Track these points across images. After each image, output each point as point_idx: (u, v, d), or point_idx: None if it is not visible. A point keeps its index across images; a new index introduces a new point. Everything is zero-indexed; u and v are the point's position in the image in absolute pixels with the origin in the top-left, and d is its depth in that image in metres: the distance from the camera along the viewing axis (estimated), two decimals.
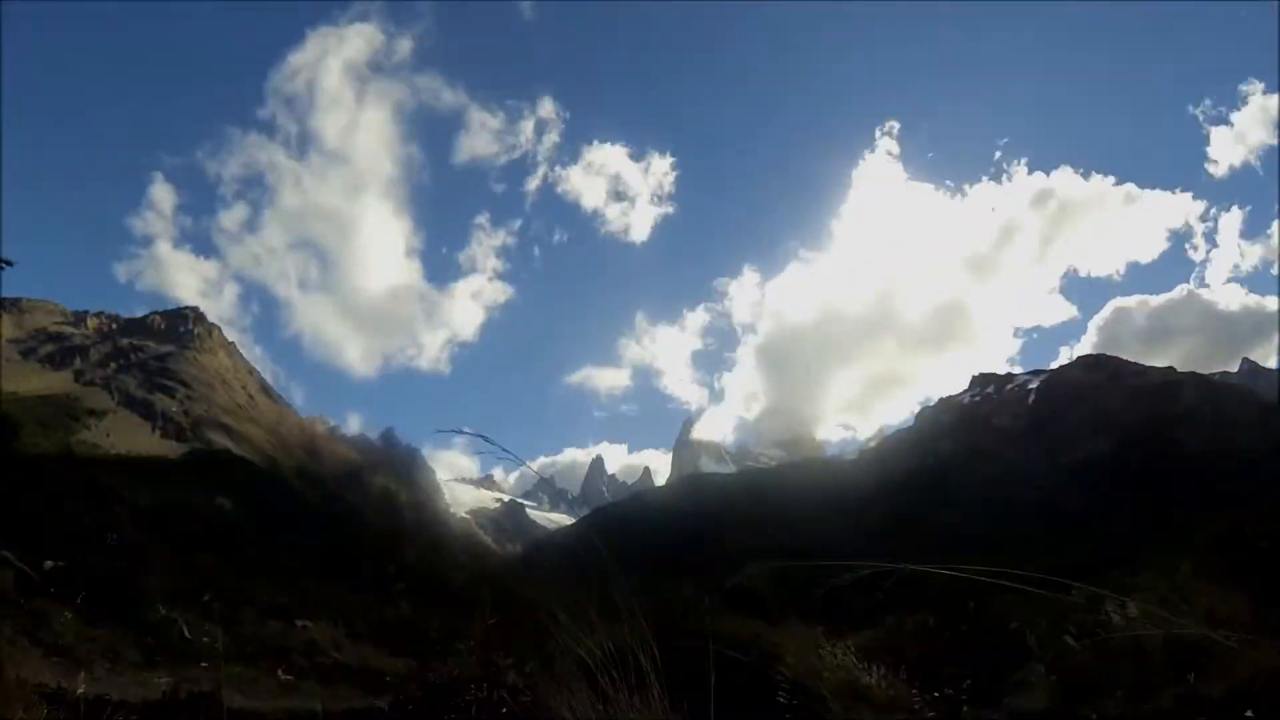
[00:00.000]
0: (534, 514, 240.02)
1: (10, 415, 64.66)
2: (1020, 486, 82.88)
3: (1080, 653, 5.87)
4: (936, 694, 5.93)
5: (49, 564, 12.65)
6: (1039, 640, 6.63)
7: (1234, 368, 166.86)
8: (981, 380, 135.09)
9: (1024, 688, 6.21)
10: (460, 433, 2.48)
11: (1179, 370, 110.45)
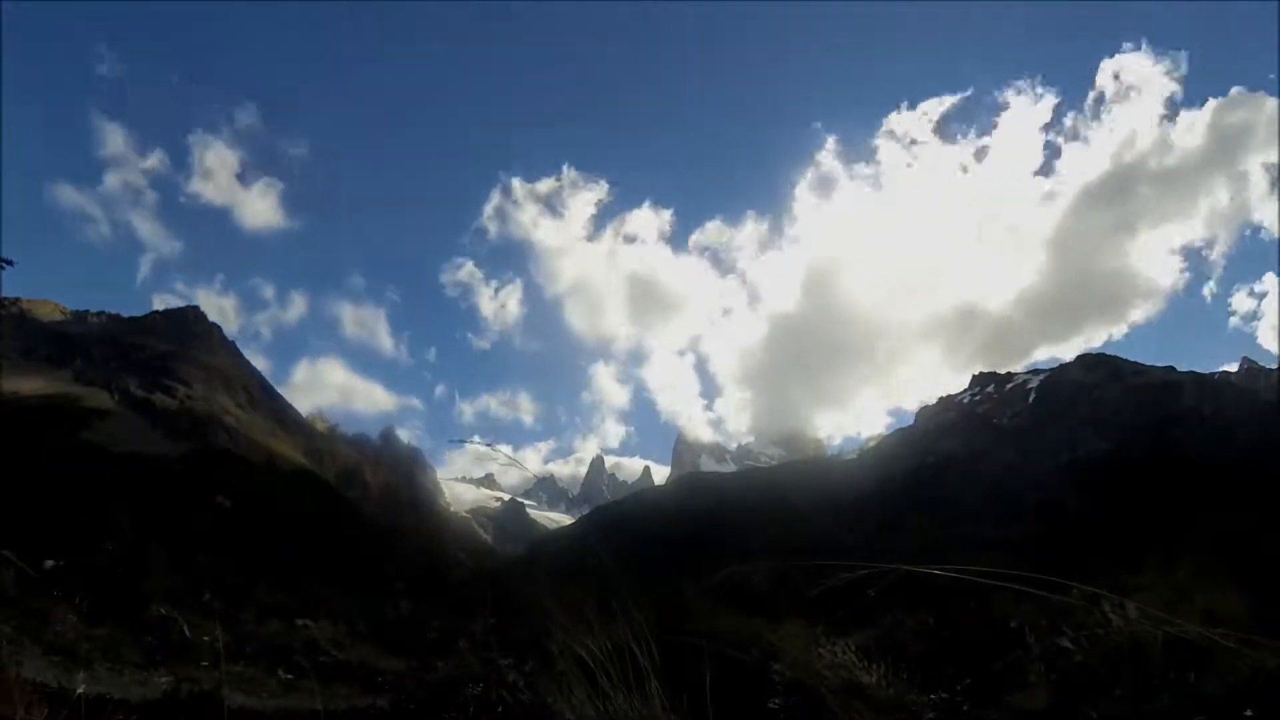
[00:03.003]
0: (534, 513, 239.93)
1: (10, 415, 64.62)
2: (1020, 486, 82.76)
3: (1080, 652, 5.87)
4: (933, 697, 5.93)
5: (49, 563, 12.67)
6: (1039, 640, 6.63)
7: (1234, 367, 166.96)
8: (981, 379, 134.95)
9: (1024, 687, 6.21)
10: (468, 442, 2.52)
11: (1179, 370, 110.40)
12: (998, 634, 7.69)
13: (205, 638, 10.83)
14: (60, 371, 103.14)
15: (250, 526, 59.26)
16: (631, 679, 2.13)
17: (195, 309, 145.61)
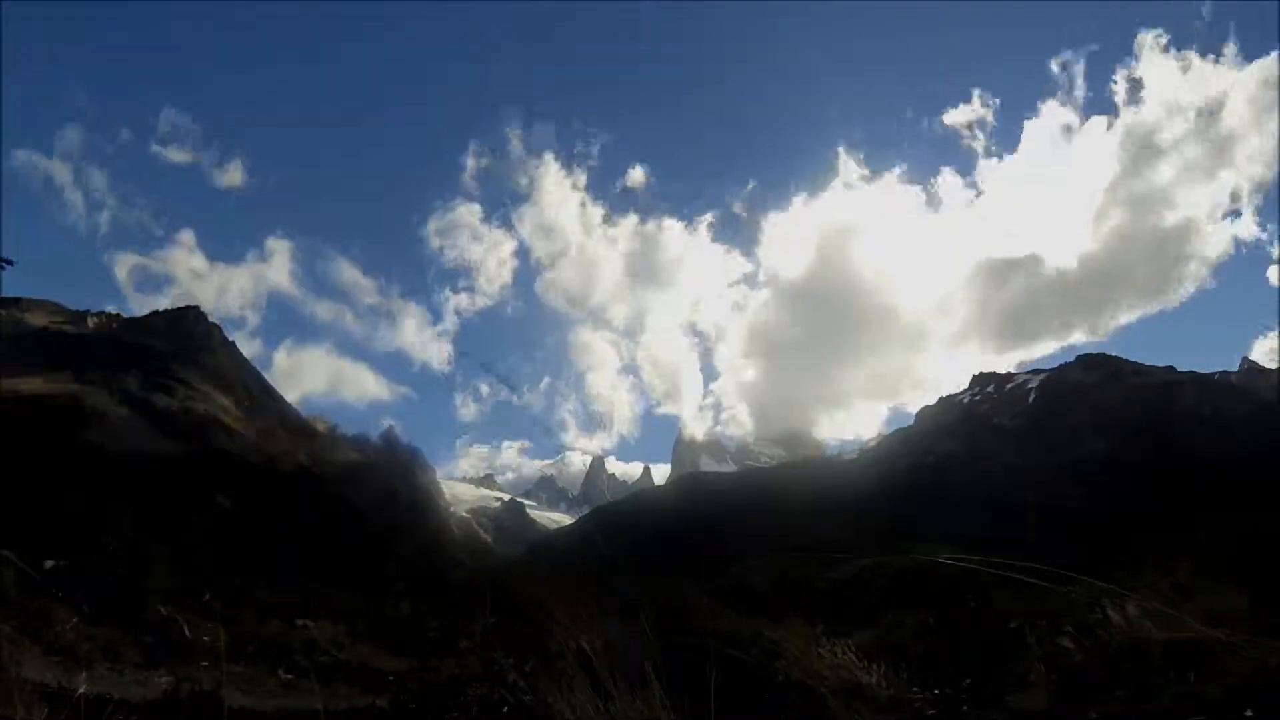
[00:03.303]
0: (534, 513, 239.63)
1: (10, 415, 64.62)
2: (1020, 486, 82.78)
3: (1080, 652, 5.87)
4: (936, 692, 5.93)
5: (49, 563, 12.68)
6: (1039, 639, 6.63)
7: (1234, 367, 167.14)
8: (981, 379, 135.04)
9: (1024, 687, 6.21)
10: (484, 445, 2.51)
11: (1179, 370, 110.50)
12: (998, 634, 7.69)
13: (205, 638, 10.83)
14: (60, 371, 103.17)
15: (250, 526, 59.31)
16: (634, 679, 2.13)
17: (196, 309, 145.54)
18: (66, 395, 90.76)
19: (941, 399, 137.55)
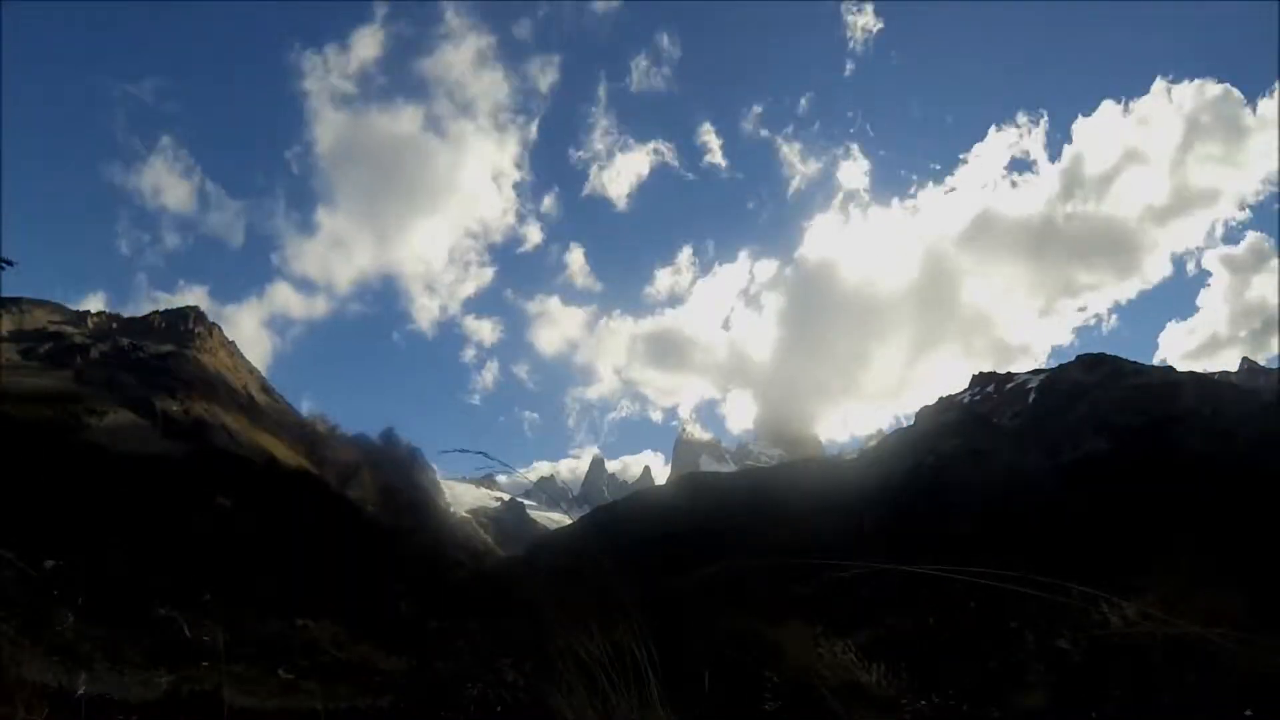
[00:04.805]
0: (534, 513, 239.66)
1: (10, 415, 64.61)
2: (1020, 486, 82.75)
3: (1080, 652, 5.87)
4: (935, 694, 5.93)
5: (49, 563, 12.69)
6: (1039, 640, 6.63)
7: (1234, 367, 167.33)
8: (981, 379, 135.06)
9: (1024, 688, 6.21)
10: (462, 452, 2.56)
11: (1179, 370, 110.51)
12: (998, 634, 7.69)
13: (205, 638, 10.83)
14: (60, 371, 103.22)
15: (250, 526, 59.24)
16: (631, 679, 2.13)
17: (195, 309, 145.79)
18: (66, 395, 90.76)
19: (941, 399, 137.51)
